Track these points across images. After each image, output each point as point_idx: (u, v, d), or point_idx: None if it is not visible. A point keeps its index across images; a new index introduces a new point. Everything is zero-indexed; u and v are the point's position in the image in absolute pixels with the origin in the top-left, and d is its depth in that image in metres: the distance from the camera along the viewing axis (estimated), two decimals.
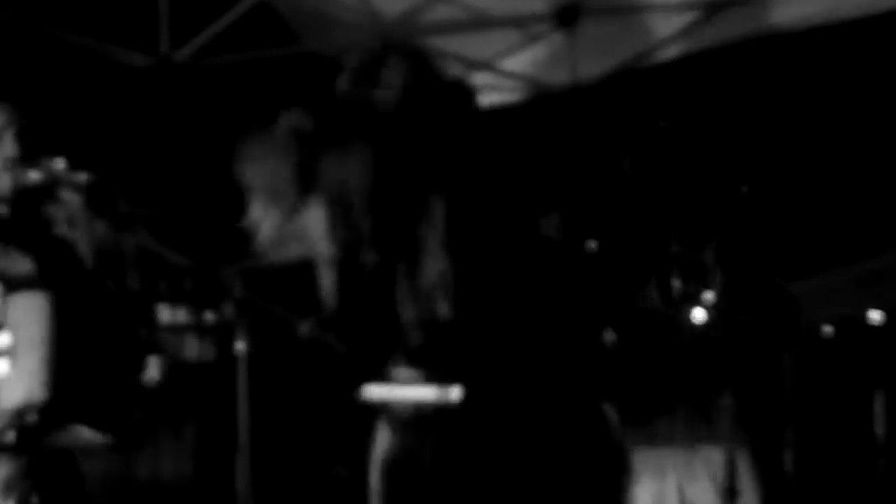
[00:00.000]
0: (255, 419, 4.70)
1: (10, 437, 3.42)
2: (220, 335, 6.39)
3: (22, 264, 3.57)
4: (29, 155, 3.63)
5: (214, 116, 7.37)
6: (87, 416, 3.59)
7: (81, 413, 3.58)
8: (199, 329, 6.32)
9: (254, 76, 7.53)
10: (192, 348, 6.32)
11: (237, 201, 3.53)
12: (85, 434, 3.58)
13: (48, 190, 3.63)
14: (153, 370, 4.85)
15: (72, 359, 3.56)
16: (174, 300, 6.23)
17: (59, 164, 3.64)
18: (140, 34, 7.36)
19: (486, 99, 7.46)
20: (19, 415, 3.43)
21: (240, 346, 4.69)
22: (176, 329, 6.27)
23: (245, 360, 4.69)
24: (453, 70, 4.85)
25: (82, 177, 3.60)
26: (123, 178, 3.86)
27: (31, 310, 3.52)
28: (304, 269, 3.51)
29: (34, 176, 3.61)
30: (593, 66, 7.38)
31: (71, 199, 3.60)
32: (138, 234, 3.79)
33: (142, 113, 7.68)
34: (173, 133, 7.58)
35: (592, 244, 3.94)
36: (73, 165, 3.64)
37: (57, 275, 3.61)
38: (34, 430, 3.48)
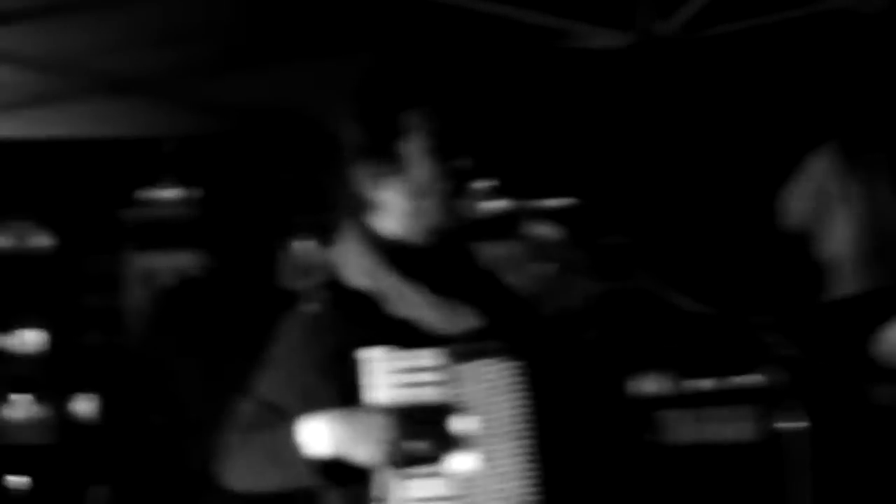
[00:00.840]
0: None
1: None
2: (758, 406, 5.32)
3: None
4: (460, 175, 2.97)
5: (712, 109, 6.29)
6: None
7: None
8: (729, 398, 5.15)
9: (758, 47, 6.29)
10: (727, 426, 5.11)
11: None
12: None
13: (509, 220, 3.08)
14: None
15: (557, 450, 2.79)
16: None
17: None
18: (611, 10, 6.21)
19: None
20: None
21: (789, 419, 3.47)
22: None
23: (799, 438, 3.44)
24: None
25: (552, 202, 2.99)
26: (601, 198, 2.82)
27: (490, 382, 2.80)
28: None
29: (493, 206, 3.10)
30: None
31: (543, 232, 2.96)
32: (635, 274, 3.06)
33: (613, 107, 6.42)
34: (657, 133, 6.34)
35: None
36: (532, 181, 3.39)
37: (519, 335, 2.89)
38: None
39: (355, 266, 2.95)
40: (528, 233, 2.92)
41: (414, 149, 2.94)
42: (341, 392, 2.80)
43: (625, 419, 3.02)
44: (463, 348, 2.81)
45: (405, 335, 2.84)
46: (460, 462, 2.75)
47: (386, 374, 2.75)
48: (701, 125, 6.11)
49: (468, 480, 2.75)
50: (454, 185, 2.95)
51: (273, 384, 2.94)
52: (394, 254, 2.95)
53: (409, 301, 2.91)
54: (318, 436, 2.75)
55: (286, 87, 5.72)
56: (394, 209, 2.96)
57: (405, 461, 2.67)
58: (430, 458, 2.72)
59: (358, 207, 2.99)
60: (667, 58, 5.98)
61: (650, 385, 5.25)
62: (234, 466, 2.94)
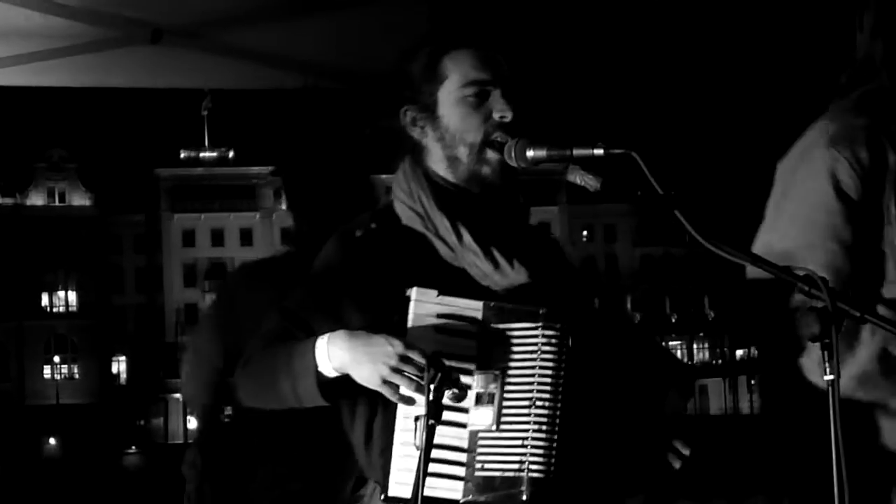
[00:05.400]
0: None
1: None
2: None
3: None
4: None
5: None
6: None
7: (588, 500, 2.80)
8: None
9: None
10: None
11: None
12: None
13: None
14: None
15: (582, 424, 2.76)
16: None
17: None
18: None
19: None
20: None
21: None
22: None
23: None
24: None
25: (598, 151, 2.74)
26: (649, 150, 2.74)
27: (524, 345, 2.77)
28: None
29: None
30: None
31: (586, 181, 2.78)
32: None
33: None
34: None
35: None
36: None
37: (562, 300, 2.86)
38: None
39: (409, 205, 2.93)
40: (572, 180, 2.86)
41: (447, 96, 2.92)
42: (374, 323, 2.76)
43: (656, 393, 2.90)
44: (504, 307, 2.77)
45: (450, 281, 2.81)
46: (479, 416, 2.71)
47: (425, 316, 2.71)
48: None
49: (484, 436, 2.71)
50: (488, 137, 2.90)
51: (306, 302, 2.90)
52: (447, 198, 2.93)
53: (459, 248, 2.88)
54: (324, 354, 2.72)
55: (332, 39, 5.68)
56: (436, 155, 2.95)
57: (438, 416, 2.60)
58: (454, 406, 2.68)
59: (413, 150, 2.98)
60: None
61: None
62: (246, 379, 2.91)
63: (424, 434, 2.59)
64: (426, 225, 2.90)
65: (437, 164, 2.95)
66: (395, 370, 2.61)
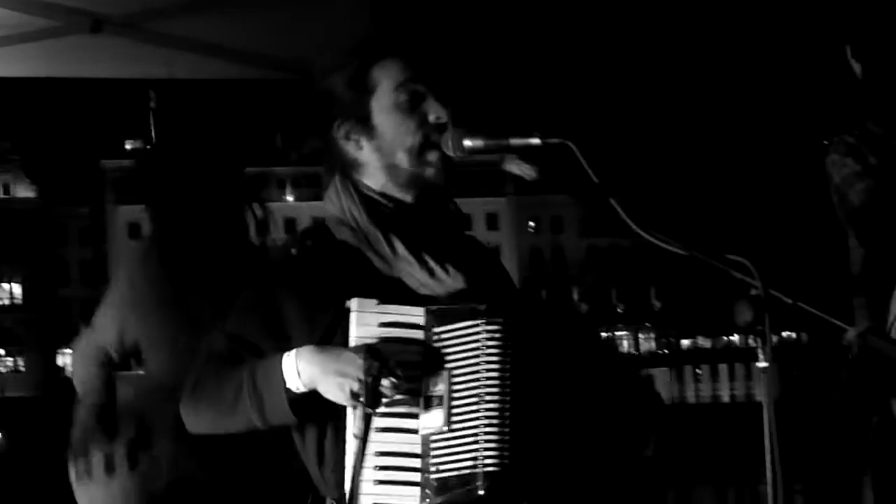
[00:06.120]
0: None
1: None
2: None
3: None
4: None
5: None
6: (552, 494, 2.76)
7: (545, 489, 2.74)
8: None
9: None
10: None
11: None
12: None
13: None
14: None
15: (533, 414, 2.74)
16: None
17: None
18: None
19: None
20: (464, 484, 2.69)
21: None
22: None
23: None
24: None
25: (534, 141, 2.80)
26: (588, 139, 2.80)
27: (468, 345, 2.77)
28: None
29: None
30: None
31: (522, 170, 2.86)
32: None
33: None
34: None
35: None
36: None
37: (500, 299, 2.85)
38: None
39: (342, 220, 2.93)
40: (509, 169, 2.88)
41: (380, 105, 2.92)
42: (319, 339, 2.77)
43: (605, 383, 2.90)
44: (445, 308, 2.78)
45: (388, 293, 2.81)
46: (429, 419, 2.72)
47: (367, 326, 2.72)
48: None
49: (435, 439, 2.71)
50: (427, 139, 2.91)
51: (249, 323, 2.89)
52: (380, 210, 2.93)
53: (393, 259, 2.89)
54: (293, 369, 2.72)
55: (270, 31, 5.67)
56: (372, 166, 2.94)
57: (375, 404, 2.63)
58: (401, 412, 2.69)
59: (343, 164, 2.96)
60: None
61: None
62: (199, 404, 2.88)
63: (363, 423, 2.60)
64: (359, 238, 2.90)
65: (374, 175, 2.96)
66: (367, 386, 2.62)
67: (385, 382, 2.64)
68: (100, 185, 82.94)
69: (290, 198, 77.30)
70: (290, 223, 53.44)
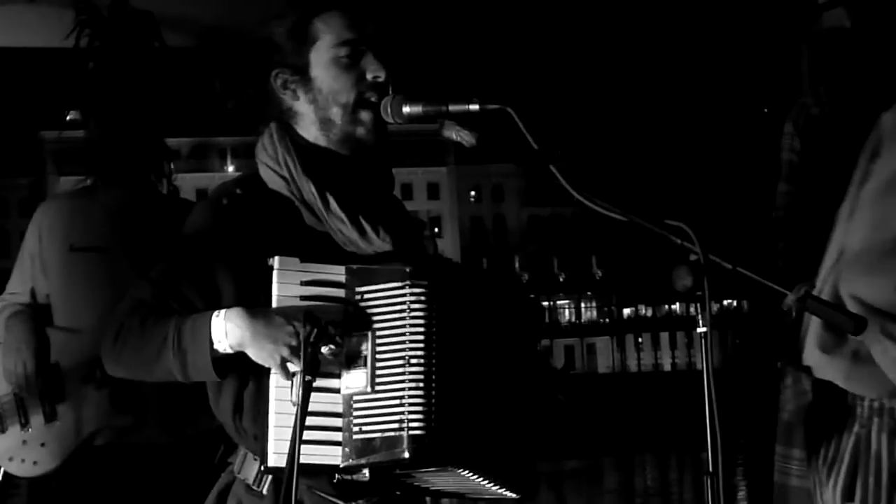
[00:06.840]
0: None
1: (364, 473, 2.74)
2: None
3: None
4: None
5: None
6: (477, 458, 2.79)
7: (471, 453, 2.78)
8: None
9: None
10: None
11: None
12: (470, 482, 2.83)
13: None
14: None
15: (459, 378, 2.75)
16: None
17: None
18: None
19: None
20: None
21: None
22: None
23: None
24: None
25: (473, 107, 2.79)
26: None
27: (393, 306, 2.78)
28: None
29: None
30: None
31: (461, 136, 2.85)
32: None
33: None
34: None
35: None
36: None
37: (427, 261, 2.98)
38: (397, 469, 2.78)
39: (275, 170, 2.92)
40: (448, 136, 2.88)
41: (319, 58, 2.92)
42: (243, 291, 2.78)
43: (533, 349, 2.99)
44: (368, 268, 2.78)
45: (314, 247, 2.82)
46: (352, 380, 2.73)
47: (289, 285, 2.71)
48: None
49: (358, 399, 2.71)
50: (361, 97, 2.91)
51: (177, 271, 2.87)
52: (315, 163, 2.92)
53: (324, 214, 2.88)
54: (221, 330, 2.71)
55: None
56: (307, 118, 2.94)
57: (314, 371, 2.62)
58: (326, 371, 2.68)
59: (280, 113, 2.96)
60: None
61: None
62: (122, 350, 2.85)
63: (301, 390, 2.59)
64: (291, 190, 2.90)
65: (308, 127, 2.96)
66: (293, 349, 2.63)
67: (325, 350, 2.64)
68: (40, 156, 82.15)
69: (230, 168, 76.82)
70: None
